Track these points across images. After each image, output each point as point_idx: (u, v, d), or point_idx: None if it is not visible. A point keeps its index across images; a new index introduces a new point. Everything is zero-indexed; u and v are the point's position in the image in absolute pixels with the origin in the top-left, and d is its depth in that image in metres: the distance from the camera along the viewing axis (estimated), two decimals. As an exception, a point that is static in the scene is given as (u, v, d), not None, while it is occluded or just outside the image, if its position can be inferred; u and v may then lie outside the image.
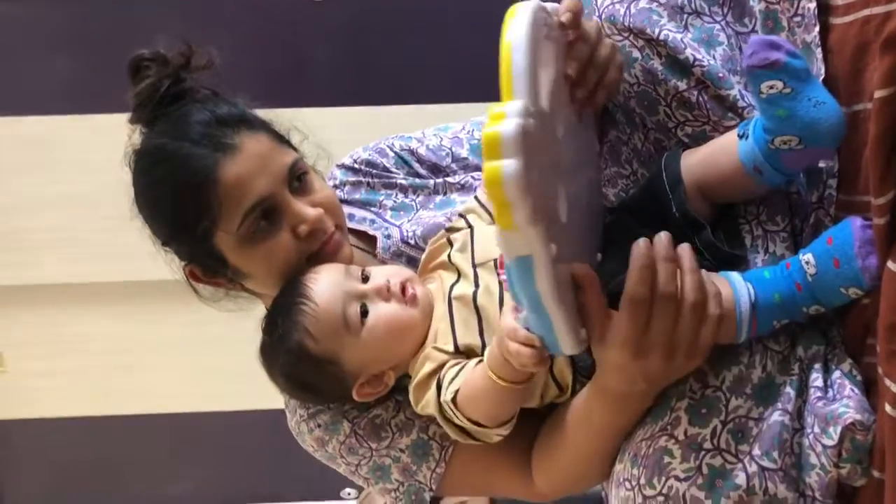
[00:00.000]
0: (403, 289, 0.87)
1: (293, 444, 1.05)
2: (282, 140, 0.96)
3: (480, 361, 0.80)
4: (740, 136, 0.78)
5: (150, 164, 0.93)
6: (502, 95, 0.63)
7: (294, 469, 2.20)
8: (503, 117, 0.61)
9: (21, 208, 2.03)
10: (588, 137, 0.86)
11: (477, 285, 0.87)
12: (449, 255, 0.91)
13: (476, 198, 0.95)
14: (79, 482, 2.25)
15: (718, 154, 0.80)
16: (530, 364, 0.71)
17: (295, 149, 0.97)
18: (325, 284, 0.88)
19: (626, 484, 0.78)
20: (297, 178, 0.93)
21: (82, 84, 1.97)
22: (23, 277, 2.07)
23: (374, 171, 1.06)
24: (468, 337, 0.85)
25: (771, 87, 0.71)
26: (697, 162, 0.81)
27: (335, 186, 1.06)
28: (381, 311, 0.86)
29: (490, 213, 0.91)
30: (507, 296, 0.83)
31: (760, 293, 0.74)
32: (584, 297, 0.71)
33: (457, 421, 0.82)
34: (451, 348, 0.85)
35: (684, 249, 0.72)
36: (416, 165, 1.06)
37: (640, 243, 0.70)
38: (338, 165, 1.09)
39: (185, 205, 0.89)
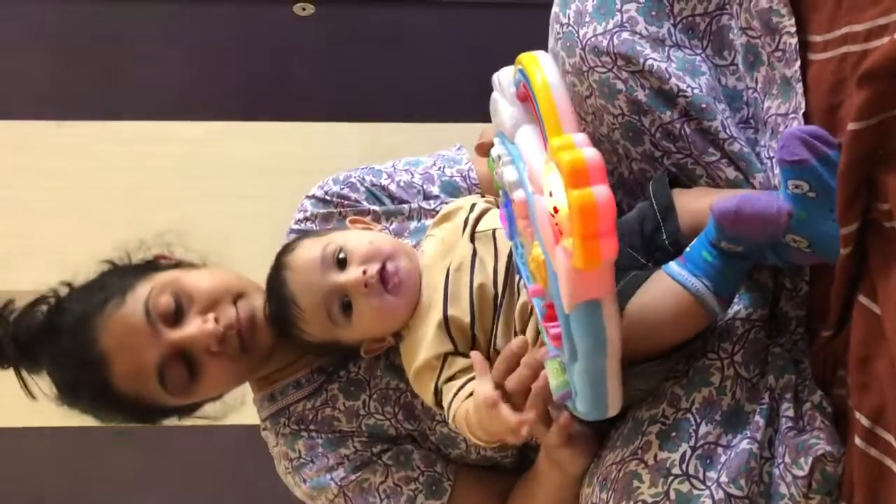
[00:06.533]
0: (383, 277, 0.87)
1: (265, 463, 1.04)
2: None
3: (469, 395, 0.83)
4: None
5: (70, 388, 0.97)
6: (549, 134, 0.61)
7: (265, 488, 2.16)
8: (572, 146, 0.55)
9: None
10: None
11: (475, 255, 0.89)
12: (467, 220, 0.92)
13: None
14: (39, 495, 2.19)
15: None
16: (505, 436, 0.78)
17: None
18: (305, 284, 0.88)
19: (594, 508, 0.78)
20: (167, 316, 0.91)
21: (53, 90, 1.94)
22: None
23: (346, 201, 1.05)
24: (455, 310, 0.87)
25: (797, 187, 0.71)
26: (697, 209, 0.80)
27: (306, 219, 1.05)
28: (363, 307, 0.87)
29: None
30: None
31: (705, 272, 0.75)
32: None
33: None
34: (440, 318, 0.87)
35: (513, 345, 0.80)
36: (388, 202, 1.05)
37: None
38: (308, 196, 1.06)
39: (124, 411, 0.94)
